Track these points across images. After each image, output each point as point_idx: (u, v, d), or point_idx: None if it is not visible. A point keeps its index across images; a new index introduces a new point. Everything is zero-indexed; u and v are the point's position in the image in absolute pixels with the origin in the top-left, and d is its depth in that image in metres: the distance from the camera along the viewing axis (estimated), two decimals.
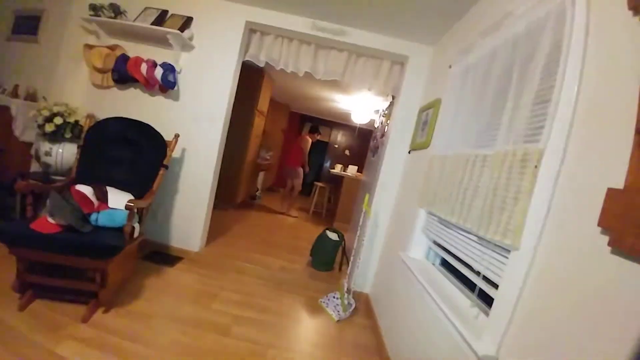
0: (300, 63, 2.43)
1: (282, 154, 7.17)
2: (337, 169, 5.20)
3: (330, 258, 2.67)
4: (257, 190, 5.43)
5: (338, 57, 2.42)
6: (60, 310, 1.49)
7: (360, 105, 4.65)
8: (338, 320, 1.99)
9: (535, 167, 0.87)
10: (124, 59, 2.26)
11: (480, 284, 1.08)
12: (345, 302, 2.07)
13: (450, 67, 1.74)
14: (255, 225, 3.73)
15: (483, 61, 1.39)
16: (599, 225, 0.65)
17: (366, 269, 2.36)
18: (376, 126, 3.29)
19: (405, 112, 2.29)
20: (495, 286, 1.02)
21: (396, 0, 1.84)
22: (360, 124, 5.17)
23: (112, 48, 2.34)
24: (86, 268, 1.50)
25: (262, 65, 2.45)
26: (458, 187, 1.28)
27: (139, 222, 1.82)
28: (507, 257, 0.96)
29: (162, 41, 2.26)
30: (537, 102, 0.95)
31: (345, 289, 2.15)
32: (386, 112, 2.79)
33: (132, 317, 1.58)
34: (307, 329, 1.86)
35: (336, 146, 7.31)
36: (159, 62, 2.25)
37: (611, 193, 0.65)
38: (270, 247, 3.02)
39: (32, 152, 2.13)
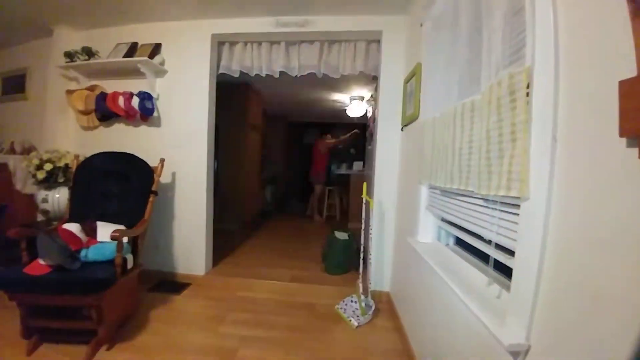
0: (273, 64, 2.34)
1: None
2: (343, 168, 5.03)
3: (342, 260, 2.48)
4: (268, 203, 5.35)
5: (310, 49, 2.31)
6: (66, 352, 1.46)
7: (355, 100, 4.48)
8: (358, 326, 1.79)
9: (527, 88, 0.68)
10: (102, 96, 2.28)
11: (494, 253, 0.88)
12: (363, 304, 1.87)
13: (421, 25, 1.58)
14: (265, 239, 3.61)
15: (448, 4, 1.22)
16: (621, 135, 0.46)
17: (382, 265, 2.15)
18: (368, 115, 3.13)
19: (390, 89, 2.12)
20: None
21: None
22: (356, 117, 4.96)
23: (91, 89, 2.38)
24: (82, 306, 1.46)
25: (236, 75, 2.38)
26: (452, 147, 1.10)
27: (132, 253, 1.76)
28: (517, 214, 0.76)
29: (135, 72, 2.25)
30: (510, 15, 0.77)
31: (361, 290, 1.96)
32: (373, 95, 2.62)
33: (134, 351, 1.51)
34: (323, 341, 1.68)
35: (340, 147, 7.10)
36: (135, 92, 2.25)
37: (625, 86, 0.46)
38: (281, 258, 2.87)
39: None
